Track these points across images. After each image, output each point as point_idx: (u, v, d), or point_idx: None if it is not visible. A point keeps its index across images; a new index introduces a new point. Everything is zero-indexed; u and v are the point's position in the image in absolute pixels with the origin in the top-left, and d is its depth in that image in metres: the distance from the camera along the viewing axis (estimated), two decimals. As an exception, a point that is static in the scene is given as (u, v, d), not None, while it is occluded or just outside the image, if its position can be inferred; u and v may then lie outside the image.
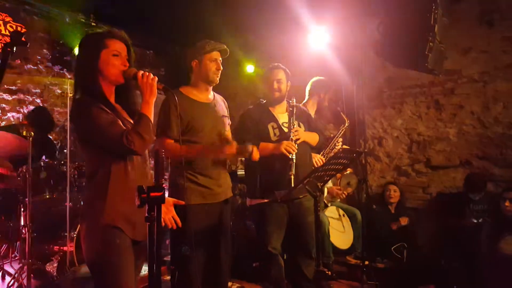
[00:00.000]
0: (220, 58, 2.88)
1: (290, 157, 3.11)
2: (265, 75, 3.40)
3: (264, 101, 3.45)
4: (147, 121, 1.99)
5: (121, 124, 1.99)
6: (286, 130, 3.29)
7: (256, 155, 2.87)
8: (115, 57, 2.04)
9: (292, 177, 3.06)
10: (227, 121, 3.03)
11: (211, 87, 2.94)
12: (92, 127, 1.93)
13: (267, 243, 3.21)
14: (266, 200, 3.19)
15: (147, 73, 2.02)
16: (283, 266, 3.29)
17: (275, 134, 3.28)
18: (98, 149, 1.98)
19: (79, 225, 2.19)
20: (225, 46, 2.89)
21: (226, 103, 3.12)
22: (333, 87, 4.15)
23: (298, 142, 3.18)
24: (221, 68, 2.86)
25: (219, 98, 3.06)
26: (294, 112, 3.30)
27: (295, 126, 3.25)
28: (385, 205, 5.05)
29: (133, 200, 1.80)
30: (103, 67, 2.02)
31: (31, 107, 5.11)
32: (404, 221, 4.79)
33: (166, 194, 3.04)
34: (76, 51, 2.17)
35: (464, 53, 5.00)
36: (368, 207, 5.11)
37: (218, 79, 2.87)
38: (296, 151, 3.13)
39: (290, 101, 3.33)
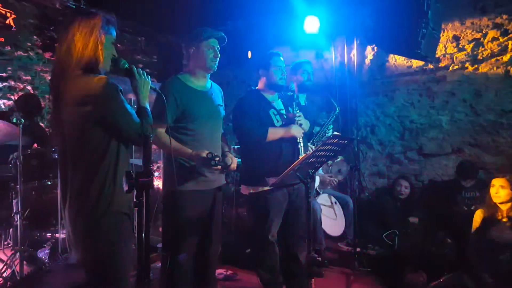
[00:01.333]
0: (218, 46, 2.86)
1: (298, 141, 3.22)
2: (269, 62, 3.33)
3: (256, 88, 3.44)
4: (150, 114, 2.05)
5: None
6: (284, 116, 3.33)
7: (234, 166, 2.94)
8: (113, 45, 2.03)
9: None
10: (223, 111, 3.03)
11: (209, 74, 2.94)
12: (119, 111, 1.89)
13: (268, 231, 3.19)
14: (266, 188, 3.17)
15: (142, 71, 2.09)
16: (278, 254, 3.29)
17: (277, 120, 3.30)
18: (108, 134, 1.92)
19: (70, 216, 1.96)
20: (223, 34, 2.87)
21: (222, 92, 3.12)
22: (301, 68, 4.11)
23: (301, 127, 3.27)
24: (219, 55, 2.84)
25: (216, 87, 3.05)
26: (295, 97, 3.38)
27: (298, 111, 3.31)
28: (393, 197, 4.99)
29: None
30: (104, 51, 1.97)
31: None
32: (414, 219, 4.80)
33: (160, 182, 3.03)
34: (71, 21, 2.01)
35: (457, 39, 5.00)
36: (360, 194, 5.15)
37: (215, 66, 2.86)
38: (302, 135, 3.26)
39: (290, 87, 3.38)
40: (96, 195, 1.88)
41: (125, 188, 1.66)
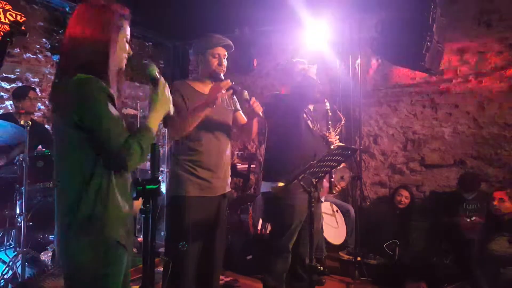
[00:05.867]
0: (225, 53, 2.83)
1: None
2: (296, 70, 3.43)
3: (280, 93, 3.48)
4: (151, 137, 1.70)
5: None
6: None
7: (258, 108, 2.79)
8: (126, 43, 1.80)
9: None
10: (231, 114, 2.99)
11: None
12: (98, 119, 1.58)
13: (290, 239, 3.18)
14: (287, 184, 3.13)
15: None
16: (289, 264, 3.27)
17: (310, 122, 3.35)
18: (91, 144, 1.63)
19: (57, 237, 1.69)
20: (229, 41, 2.83)
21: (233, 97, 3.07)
22: None
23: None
24: (224, 63, 2.82)
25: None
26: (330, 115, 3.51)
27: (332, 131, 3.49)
28: (392, 206, 5.00)
29: (130, 204, 1.74)
30: (116, 49, 1.73)
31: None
32: None
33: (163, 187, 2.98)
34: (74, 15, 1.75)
35: (461, 53, 5.03)
36: (361, 203, 5.17)
37: (221, 74, 2.80)
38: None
39: (326, 105, 3.51)
40: (84, 217, 1.61)
41: (133, 195, 1.66)
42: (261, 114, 2.80)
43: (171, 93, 2.50)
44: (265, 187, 3.32)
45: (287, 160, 3.21)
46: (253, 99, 2.78)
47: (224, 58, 2.82)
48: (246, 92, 2.78)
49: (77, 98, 1.60)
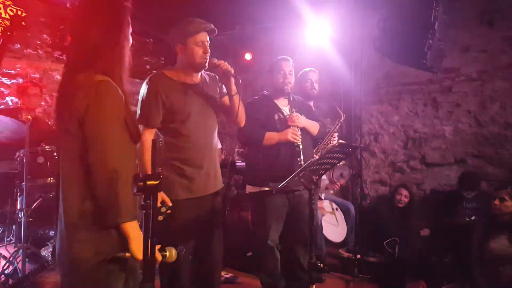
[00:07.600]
0: (208, 40, 2.56)
1: (297, 144, 3.16)
2: (275, 66, 3.36)
3: (268, 93, 3.45)
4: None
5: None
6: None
7: (226, 66, 2.57)
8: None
9: (302, 163, 3.05)
10: (217, 103, 2.79)
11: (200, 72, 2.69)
12: (99, 135, 1.52)
13: (266, 235, 3.18)
14: (267, 189, 3.16)
15: None
16: (279, 258, 3.29)
17: (279, 125, 3.27)
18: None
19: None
20: (211, 25, 2.55)
21: (218, 78, 2.83)
22: (305, 76, 4.16)
23: (299, 126, 3.22)
24: (209, 51, 2.54)
25: (208, 77, 2.80)
26: (291, 99, 3.32)
27: (294, 112, 3.25)
28: (391, 205, 5.01)
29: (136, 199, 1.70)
30: (128, 45, 1.65)
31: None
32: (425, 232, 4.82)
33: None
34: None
35: (463, 51, 5.02)
36: (361, 201, 5.16)
37: (207, 63, 2.58)
38: (300, 137, 3.17)
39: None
40: (88, 214, 1.59)
41: (134, 190, 1.64)
42: (232, 73, 2.59)
43: (146, 91, 2.44)
44: (247, 189, 3.40)
45: (253, 164, 3.34)
46: (221, 61, 2.58)
47: (208, 44, 2.56)
48: (214, 58, 2.61)
49: (91, 101, 1.52)
